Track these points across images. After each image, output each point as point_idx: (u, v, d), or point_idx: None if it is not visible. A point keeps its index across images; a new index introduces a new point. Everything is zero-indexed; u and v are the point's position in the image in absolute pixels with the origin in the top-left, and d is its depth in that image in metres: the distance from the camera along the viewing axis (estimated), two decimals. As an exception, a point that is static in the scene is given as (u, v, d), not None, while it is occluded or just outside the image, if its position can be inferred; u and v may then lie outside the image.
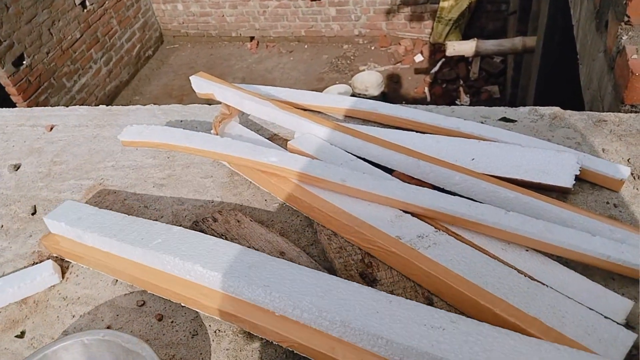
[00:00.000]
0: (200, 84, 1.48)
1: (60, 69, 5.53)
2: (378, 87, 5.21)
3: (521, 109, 1.37)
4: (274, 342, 0.93)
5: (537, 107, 1.37)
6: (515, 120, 1.33)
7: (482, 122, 1.33)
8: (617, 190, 1.13)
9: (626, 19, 1.47)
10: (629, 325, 0.88)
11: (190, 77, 1.50)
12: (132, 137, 1.39)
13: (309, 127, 1.32)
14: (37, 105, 5.23)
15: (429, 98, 5.38)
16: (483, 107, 1.40)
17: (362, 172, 1.11)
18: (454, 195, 1.09)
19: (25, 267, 1.21)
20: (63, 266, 1.19)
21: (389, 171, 1.21)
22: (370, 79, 5.30)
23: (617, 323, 0.85)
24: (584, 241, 0.95)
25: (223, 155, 1.26)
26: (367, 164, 1.22)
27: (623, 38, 1.48)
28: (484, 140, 1.22)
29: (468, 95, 5.28)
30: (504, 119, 1.34)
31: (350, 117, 1.44)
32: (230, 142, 1.26)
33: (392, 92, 5.54)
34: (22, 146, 1.57)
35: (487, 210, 1.01)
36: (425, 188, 1.08)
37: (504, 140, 1.22)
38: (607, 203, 1.12)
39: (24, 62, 5.10)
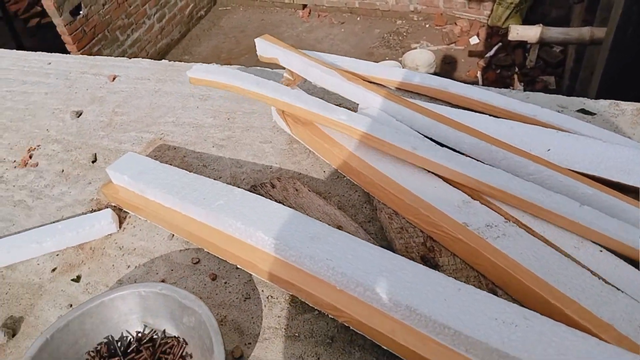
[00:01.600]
0: (265, 47, 1.45)
1: (114, 22, 5.59)
2: (429, 67, 5.06)
3: (601, 101, 1.29)
4: (328, 315, 0.91)
5: (618, 102, 1.29)
6: (595, 114, 1.26)
7: (559, 112, 1.26)
8: (703, 199, 1.05)
9: None
10: None
11: (255, 40, 1.47)
12: (201, 74, 1.37)
13: (375, 101, 1.28)
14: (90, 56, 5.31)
15: (480, 82, 5.20)
16: (561, 95, 1.32)
17: (433, 144, 1.07)
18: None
19: (83, 214, 1.22)
20: (120, 216, 1.20)
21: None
22: (422, 58, 5.16)
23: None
24: None
25: (293, 106, 1.22)
26: (435, 144, 1.18)
27: None
28: (562, 130, 1.16)
29: (522, 84, 5.08)
30: (583, 111, 1.27)
31: (417, 93, 1.39)
32: (301, 95, 1.22)
33: (443, 73, 5.38)
34: (84, 94, 1.59)
35: (562, 200, 0.96)
36: (499, 169, 1.03)
37: (582, 133, 1.15)
38: (690, 211, 1.05)
39: (81, 12, 5.17)
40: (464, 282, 0.93)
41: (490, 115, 1.21)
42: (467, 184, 1.02)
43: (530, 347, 0.70)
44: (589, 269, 0.91)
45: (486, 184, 0.98)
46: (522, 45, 5.01)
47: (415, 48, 5.68)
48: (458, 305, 0.77)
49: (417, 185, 1.07)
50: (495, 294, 0.91)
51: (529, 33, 3.28)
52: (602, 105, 1.28)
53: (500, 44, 5.37)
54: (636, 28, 2.98)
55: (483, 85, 5.11)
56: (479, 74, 5.22)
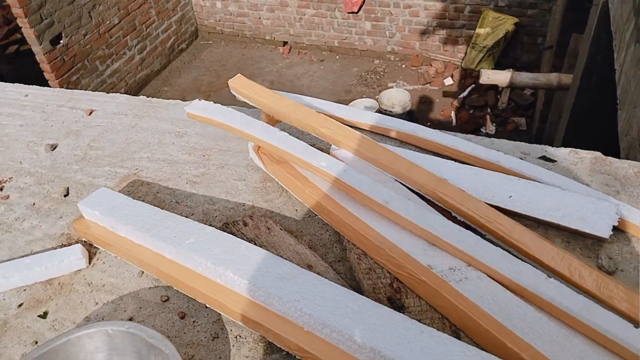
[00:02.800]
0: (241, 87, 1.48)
1: (95, 52, 5.62)
2: (404, 106, 5.20)
3: (562, 149, 1.36)
4: (295, 356, 0.92)
5: (578, 150, 1.36)
6: (555, 161, 1.32)
7: (521, 159, 1.32)
8: (655, 245, 1.11)
9: (677, 71, 1.46)
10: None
11: (229, 81, 1.49)
12: (198, 111, 1.40)
13: (348, 146, 1.32)
14: (68, 85, 5.31)
15: (454, 122, 5.36)
16: (523, 143, 1.39)
17: (405, 198, 1.10)
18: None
19: (53, 248, 1.22)
20: (90, 252, 1.20)
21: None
22: (398, 97, 5.30)
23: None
24: (624, 331, 0.88)
25: (278, 148, 1.25)
26: (405, 187, 1.22)
27: (671, 90, 1.46)
28: (524, 177, 1.21)
29: (494, 124, 5.25)
30: (544, 158, 1.33)
31: (389, 137, 1.44)
32: (287, 138, 1.26)
33: (418, 112, 5.53)
34: (60, 127, 1.59)
35: (528, 271, 0.97)
36: (468, 231, 1.06)
37: (543, 180, 1.21)
38: (643, 256, 1.10)
39: (61, 42, 5.19)
40: (429, 323, 0.96)
41: (456, 160, 1.26)
42: (433, 242, 1.06)
43: (487, 390, 0.72)
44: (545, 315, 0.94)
45: (454, 246, 1.01)
46: (494, 87, 5.19)
47: (392, 87, 5.84)
48: (420, 347, 0.79)
49: (384, 226, 1.10)
50: (458, 336, 0.94)
51: (499, 77, 3.42)
52: (562, 153, 1.35)
53: (473, 85, 5.57)
54: (600, 75, 3.13)
55: (456, 124, 5.27)
56: (452, 114, 5.37)
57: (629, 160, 1.33)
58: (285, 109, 1.33)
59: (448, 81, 5.85)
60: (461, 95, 5.56)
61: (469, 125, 5.22)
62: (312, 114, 1.37)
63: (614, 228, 1.11)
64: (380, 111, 5.24)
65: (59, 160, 1.48)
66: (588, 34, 3.29)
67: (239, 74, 1.57)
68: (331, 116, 1.47)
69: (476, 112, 5.40)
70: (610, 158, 1.33)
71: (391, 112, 5.16)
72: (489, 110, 5.38)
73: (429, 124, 5.37)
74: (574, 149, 1.36)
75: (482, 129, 5.20)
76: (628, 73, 2.07)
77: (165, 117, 1.59)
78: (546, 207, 1.13)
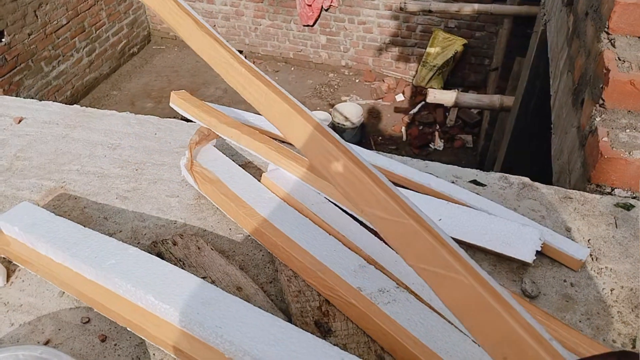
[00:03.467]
0: (180, 105, 1.46)
1: (40, 52, 5.40)
2: (357, 120, 5.27)
3: (492, 174, 1.40)
4: (217, 382, 0.90)
5: (507, 175, 1.40)
6: (485, 185, 1.36)
7: (453, 182, 1.35)
8: (576, 270, 1.16)
9: (601, 101, 1.54)
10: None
11: (171, 103, 1.46)
12: None
13: (284, 164, 1.31)
14: (10, 85, 5.08)
15: (404, 137, 5.47)
16: (456, 166, 1.42)
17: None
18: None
19: (-33, 265, 1.15)
20: (9, 269, 1.13)
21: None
22: (351, 111, 5.37)
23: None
24: None
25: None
26: (336, 207, 1.22)
27: (597, 119, 1.54)
28: (454, 201, 1.24)
29: (442, 141, 5.39)
30: (475, 182, 1.37)
31: (327, 156, 1.44)
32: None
33: (370, 126, 5.61)
34: (-15, 135, 1.51)
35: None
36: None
37: (472, 204, 1.24)
38: (565, 281, 1.14)
39: (3, 40, 4.97)
40: (354, 347, 0.96)
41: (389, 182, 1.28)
42: (365, 259, 1.07)
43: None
44: (470, 337, 0.97)
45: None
46: (443, 105, 5.33)
47: (345, 101, 5.90)
48: (340, 375, 0.79)
49: (317, 248, 1.10)
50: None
51: (445, 97, 3.52)
52: (492, 177, 1.39)
53: (423, 102, 5.71)
54: (538, 100, 3.28)
55: (406, 139, 5.37)
56: (403, 129, 5.48)
57: (554, 187, 1.38)
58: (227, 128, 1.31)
59: (399, 97, 5.97)
60: (412, 112, 5.69)
61: (418, 140, 5.33)
62: (254, 134, 1.36)
63: (538, 253, 1.15)
64: (333, 124, 5.28)
65: (-18, 170, 1.40)
66: (528, 59, 3.44)
67: (183, 90, 1.54)
68: (268, 133, 1.47)
69: (426, 128, 5.53)
70: (537, 184, 1.39)
71: (344, 125, 5.21)
72: (437, 127, 5.52)
73: (380, 138, 5.46)
74: (503, 174, 1.40)
75: (430, 145, 5.33)
76: (561, 100, 2.18)
77: (99, 128, 1.54)
78: (473, 231, 1.15)
